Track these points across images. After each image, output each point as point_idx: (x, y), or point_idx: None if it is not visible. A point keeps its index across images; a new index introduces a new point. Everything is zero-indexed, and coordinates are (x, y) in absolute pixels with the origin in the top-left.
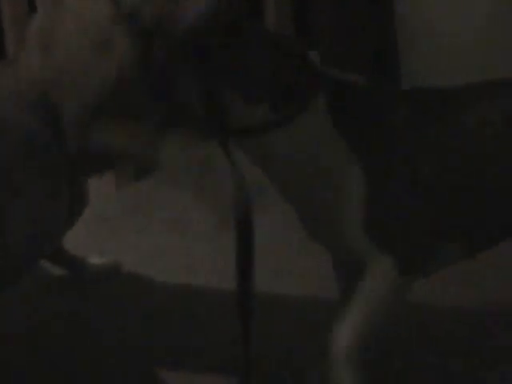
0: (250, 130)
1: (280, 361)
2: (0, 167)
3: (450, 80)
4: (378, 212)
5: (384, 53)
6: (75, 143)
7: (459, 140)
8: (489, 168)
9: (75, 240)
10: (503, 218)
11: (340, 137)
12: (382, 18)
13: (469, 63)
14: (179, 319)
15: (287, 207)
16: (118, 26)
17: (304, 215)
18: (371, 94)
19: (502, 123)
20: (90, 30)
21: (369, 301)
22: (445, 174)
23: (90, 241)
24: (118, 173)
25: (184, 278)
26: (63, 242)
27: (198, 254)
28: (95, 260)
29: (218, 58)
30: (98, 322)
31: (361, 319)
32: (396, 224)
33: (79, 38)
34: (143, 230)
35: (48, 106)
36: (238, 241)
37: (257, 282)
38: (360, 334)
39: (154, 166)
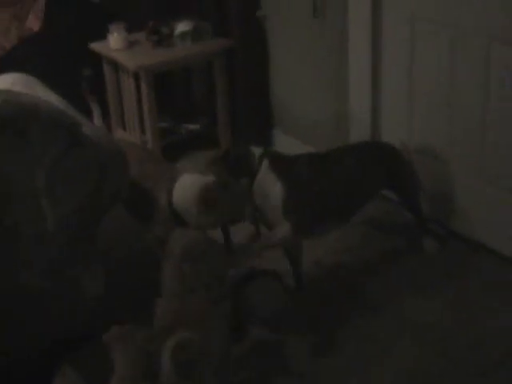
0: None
1: None
2: None
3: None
4: (288, 203)
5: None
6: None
7: (334, 170)
8: (348, 182)
9: None
10: (353, 207)
11: (273, 174)
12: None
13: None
14: None
15: None
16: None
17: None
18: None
19: (354, 164)
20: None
21: (271, 239)
22: (325, 184)
23: None
24: None
25: None
26: None
27: None
28: None
29: None
30: None
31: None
32: (296, 210)
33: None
34: None
35: None
36: None
37: None
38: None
39: None
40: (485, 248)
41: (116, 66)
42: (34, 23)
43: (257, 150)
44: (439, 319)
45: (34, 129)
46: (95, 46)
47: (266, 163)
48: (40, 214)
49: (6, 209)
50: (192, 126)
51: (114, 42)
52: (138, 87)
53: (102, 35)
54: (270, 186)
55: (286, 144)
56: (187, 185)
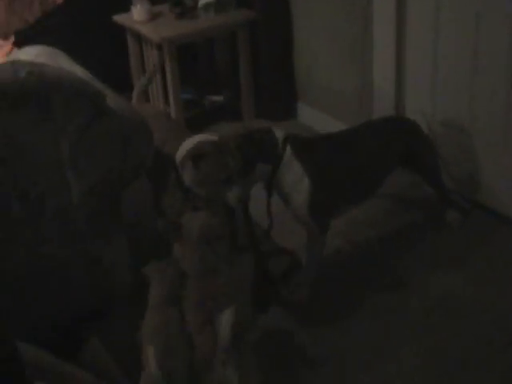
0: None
1: None
2: None
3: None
4: (314, 203)
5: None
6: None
7: (356, 151)
8: (369, 162)
9: None
10: (374, 185)
11: (298, 164)
12: None
13: None
14: None
15: None
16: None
17: (288, 207)
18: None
19: (375, 142)
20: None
21: (310, 246)
22: (349, 167)
23: None
24: None
25: None
26: None
27: None
28: None
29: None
30: None
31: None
32: (322, 208)
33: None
34: None
35: None
36: None
37: None
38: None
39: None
40: (509, 221)
41: (139, 38)
42: None
43: (280, 126)
44: (463, 293)
45: (57, 100)
46: (118, 18)
47: (289, 150)
48: (64, 186)
49: (31, 181)
50: (215, 98)
51: (137, 14)
52: (161, 58)
53: (125, 7)
54: (295, 179)
55: (310, 117)
56: (185, 144)
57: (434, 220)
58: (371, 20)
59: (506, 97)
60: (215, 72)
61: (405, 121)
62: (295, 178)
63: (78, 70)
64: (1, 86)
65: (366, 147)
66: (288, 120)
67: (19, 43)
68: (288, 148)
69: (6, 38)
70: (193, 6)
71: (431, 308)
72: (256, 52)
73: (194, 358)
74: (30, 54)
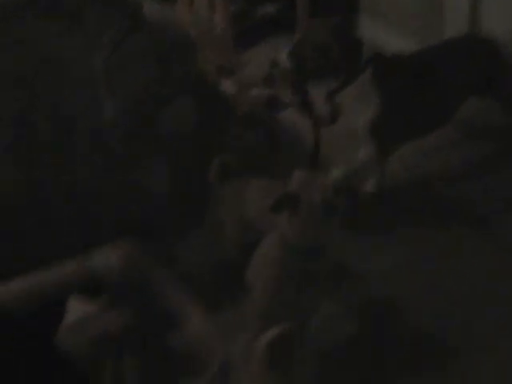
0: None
1: None
2: None
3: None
4: (378, 125)
5: None
6: None
7: (431, 76)
8: (443, 89)
9: None
10: (446, 114)
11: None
12: None
13: None
14: None
15: None
16: None
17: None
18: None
19: (451, 66)
20: None
21: (361, 158)
22: (422, 94)
23: None
24: None
25: None
26: None
27: None
28: None
29: None
30: None
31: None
32: (385, 128)
33: None
34: None
35: None
36: None
37: None
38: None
39: None
40: None
41: None
42: None
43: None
44: None
45: (88, 11)
46: None
47: (370, 71)
48: (97, 105)
49: (63, 97)
50: (267, 9)
51: None
52: None
53: None
54: (366, 101)
55: (373, 31)
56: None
57: (509, 153)
58: None
59: None
60: None
61: (484, 41)
62: (366, 99)
63: None
64: None
65: (443, 71)
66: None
67: None
68: (369, 69)
69: None
70: None
71: (488, 248)
72: None
73: None
74: None
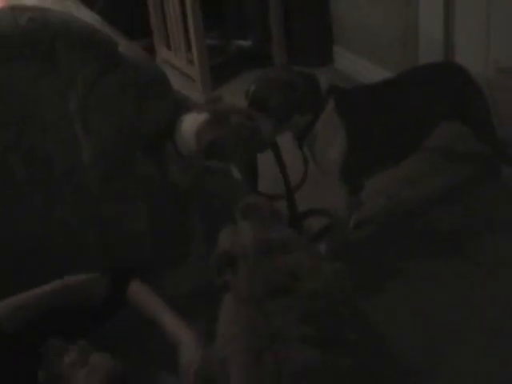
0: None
1: None
2: None
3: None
4: (347, 164)
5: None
6: None
7: (400, 104)
8: (413, 115)
9: None
10: (418, 140)
11: (338, 119)
12: None
13: None
14: None
15: None
16: None
17: (318, 161)
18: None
19: (420, 93)
20: None
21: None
22: (391, 122)
23: None
24: None
25: None
26: None
27: None
28: None
29: None
30: None
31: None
32: (356, 165)
33: None
34: None
35: None
36: None
37: None
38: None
39: None
40: None
41: None
42: None
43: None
44: None
45: (62, 50)
46: None
47: (332, 102)
48: (74, 145)
49: (39, 138)
50: (243, 43)
51: None
52: (182, 1)
53: None
54: (332, 134)
55: (348, 62)
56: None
57: (488, 177)
58: None
59: None
60: (242, 13)
61: (454, 67)
62: (332, 132)
63: (86, 15)
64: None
65: (411, 98)
66: (323, 66)
67: None
68: (331, 100)
69: None
70: None
71: (481, 273)
72: None
73: None
74: None
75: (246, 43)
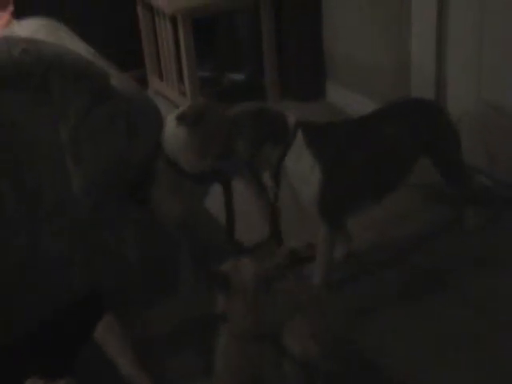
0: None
1: None
2: None
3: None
4: (326, 201)
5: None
6: None
7: (374, 141)
8: (389, 153)
9: None
10: (396, 179)
11: (309, 154)
12: None
13: None
14: None
15: None
16: None
17: (299, 197)
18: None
19: (395, 131)
20: None
21: (321, 242)
22: (366, 159)
23: None
24: None
25: None
26: None
27: None
28: None
29: None
30: None
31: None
32: (333, 200)
33: None
34: None
35: None
36: None
37: None
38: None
39: None
40: None
41: (151, 10)
42: None
43: (307, 107)
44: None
45: (55, 82)
46: None
47: (300, 137)
48: (65, 176)
49: (29, 169)
50: (236, 76)
51: None
52: (175, 33)
53: None
54: (305, 170)
55: (341, 97)
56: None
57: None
58: None
59: None
60: (236, 46)
61: (429, 104)
62: (305, 168)
63: (80, 47)
64: None
65: (385, 134)
66: (316, 100)
67: (18, 13)
68: (299, 134)
69: (3, 7)
70: None
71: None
72: (281, 24)
73: None
74: (28, 28)
75: (238, 76)
